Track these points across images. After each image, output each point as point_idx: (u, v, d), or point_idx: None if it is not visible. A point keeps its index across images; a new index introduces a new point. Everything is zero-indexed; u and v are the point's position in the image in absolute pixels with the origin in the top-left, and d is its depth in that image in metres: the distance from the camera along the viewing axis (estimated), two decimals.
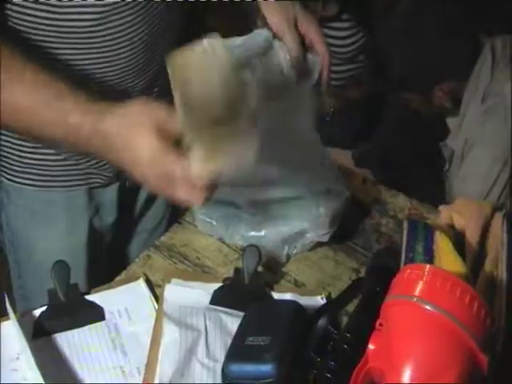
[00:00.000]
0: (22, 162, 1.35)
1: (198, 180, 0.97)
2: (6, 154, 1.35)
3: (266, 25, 1.27)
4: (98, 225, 1.47)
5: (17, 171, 1.36)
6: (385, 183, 1.59)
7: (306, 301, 1.22)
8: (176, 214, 1.47)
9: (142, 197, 1.55)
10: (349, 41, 2.53)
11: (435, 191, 2.06)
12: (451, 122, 2.07)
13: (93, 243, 1.48)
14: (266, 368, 1.05)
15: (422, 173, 2.30)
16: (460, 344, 0.94)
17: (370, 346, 0.99)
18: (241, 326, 1.14)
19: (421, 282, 0.97)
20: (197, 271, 1.31)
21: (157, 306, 1.19)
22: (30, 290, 1.51)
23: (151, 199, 1.56)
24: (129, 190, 1.48)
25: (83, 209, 1.42)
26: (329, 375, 1.07)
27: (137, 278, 1.25)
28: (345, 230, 1.42)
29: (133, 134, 1.00)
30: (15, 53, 1.08)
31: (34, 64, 1.08)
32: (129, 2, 1.20)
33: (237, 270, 1.20)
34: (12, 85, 1.06)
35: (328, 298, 1.28)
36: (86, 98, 1.05)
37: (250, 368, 1.05)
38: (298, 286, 1.31)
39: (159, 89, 1.38)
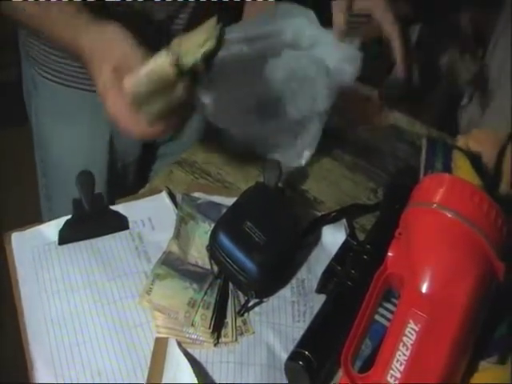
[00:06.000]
0: (47, 57, 1.38)
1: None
2: (34, 45, 1.38)
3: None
4: (120, 137, 1.47)
5: (43, 65, 1.39)
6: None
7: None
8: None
9: None
10: None
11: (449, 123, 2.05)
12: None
13: (115, 154, 1.49)
14: (251, 266, 1.08)
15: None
16: (477, 250, 0.96)
17: (389, 254, 1.02)
18: (243, 200, 1.17)
19: (440, 190, 1.00)
20: (218, 186, 1.33)
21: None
22: (52, 189, 1.54)
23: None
24: None
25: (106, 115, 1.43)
26: (349, 283, 1.10)
27: (160, 191, 1.27)
28: (361, 153, 1.44)
29: (96, 58, 1.04)
30: None
31: None
32: None
33: (258, 183, 1.21)
34: None
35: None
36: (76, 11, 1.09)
37: (237, 253, 1.09)
38: (317, 202, 1.33)
39: (182, 21, 1.40)
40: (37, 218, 1.23)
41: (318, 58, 1.34)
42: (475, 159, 1.28)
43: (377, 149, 1.49)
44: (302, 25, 1.35)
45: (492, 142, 1.33)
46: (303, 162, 1.38)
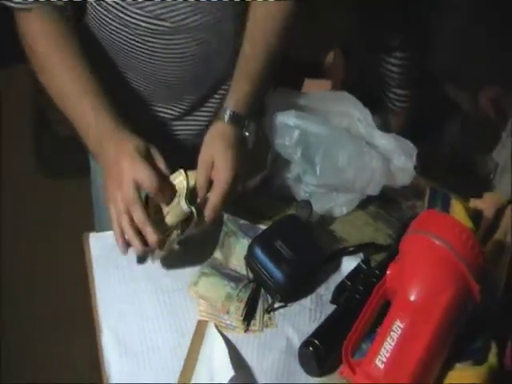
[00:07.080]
0: None
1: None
2: None
3: None
4: None
5: None
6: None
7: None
8: None
9: None
10: (405, 69, 2.69)
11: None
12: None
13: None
14: (279, 276, 1.35)
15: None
16: (455, 271, 1.21)
17: (388, 272, 1.27)
18: (277, 224, 1.45)
19: (431, 222, 1.26)
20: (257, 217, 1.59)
21: None
22: (103, 224, 1.75)
23: None
24: None
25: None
26: (357, 296, 1.35)
27: None
28: (385, 205, 1.71)
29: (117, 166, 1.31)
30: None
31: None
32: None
33: (291, 214, 1.48)
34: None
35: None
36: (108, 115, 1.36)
37: (268, 264, 1.36)
38: (341, 239, 1.59)
39: (216, 101, 1.67)
40: None
41: (384, 157, 1.62)
42: (476, 213, 1.53)
43: (398, 203, 1.74)
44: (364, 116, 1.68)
45: (495, 202, 1.57)
46: (340, 214, 1.66)
